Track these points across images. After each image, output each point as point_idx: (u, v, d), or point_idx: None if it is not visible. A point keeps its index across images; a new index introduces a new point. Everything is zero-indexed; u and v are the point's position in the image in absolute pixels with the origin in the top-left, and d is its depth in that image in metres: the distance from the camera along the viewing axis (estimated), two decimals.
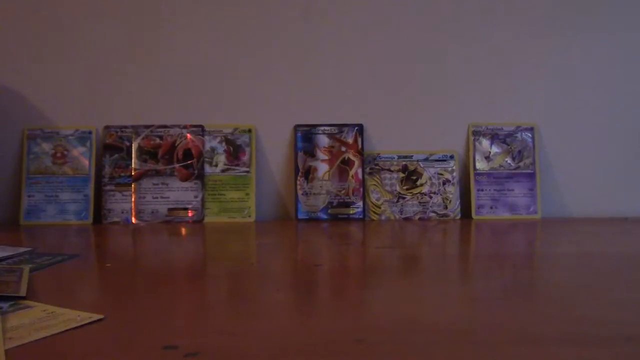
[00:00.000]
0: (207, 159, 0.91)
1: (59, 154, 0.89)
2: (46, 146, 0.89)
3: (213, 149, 0.92)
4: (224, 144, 0.92)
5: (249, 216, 0.90)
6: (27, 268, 0.56)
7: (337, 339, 0.41)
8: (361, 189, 0.92)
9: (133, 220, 0.89)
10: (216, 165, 0.92)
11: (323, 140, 0.93)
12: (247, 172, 0.92)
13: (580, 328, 0.43)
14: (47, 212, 0.87)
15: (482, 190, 0.93)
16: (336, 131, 0.93)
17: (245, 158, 0.92)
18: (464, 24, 0.96)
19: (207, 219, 0.90)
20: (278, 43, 0.95)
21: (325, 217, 0.91)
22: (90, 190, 0.89)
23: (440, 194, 0.93)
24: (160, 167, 0.90)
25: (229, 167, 0.92)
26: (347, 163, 0.92)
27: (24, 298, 0.48)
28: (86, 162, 0.90)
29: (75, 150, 0.89)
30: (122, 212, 0.89)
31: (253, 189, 0.91)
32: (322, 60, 0.96)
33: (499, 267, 0.63)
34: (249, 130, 0.93)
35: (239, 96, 0.95)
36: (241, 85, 0.95)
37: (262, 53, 0.95)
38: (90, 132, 0.91)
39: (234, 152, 0.92)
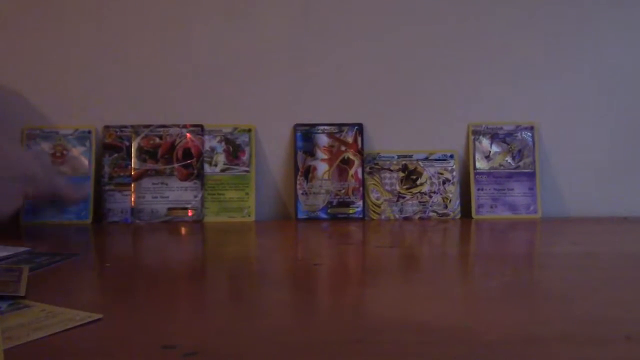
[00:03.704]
0: (206, 159, 0.91)
1: (58, 154, 0.89)
2: (46, 146, 0.89)
3: (212, 149, 0.92)
4: (223, 143, 0.92)
5: (249, 216, 0.90)
6: (26, 268, 0.56)
7: (337, 339, 0.41)
8: (361, 189, 0.92)
9: (133, 220, 0.89)
10: (215, 165, 0.92)
11: (323, 140, 0.93)
12: (247, 171, 0.92)
13: (580, 327, 0.43)
14: (47, 212, 0.87)
15: (482, 189, 0.93)
16: (336, 130, 0.93)
17: (244, 157, 0.92)
18: (463, 24, 0.96)
19: (206, 219, 0.90)
20: (278, 42, 0.95)
21: (325, 216, 0.91)
22: (90, 189, 0.89)
23: (440, 194, 0.93)
24: (159, 166, 0.90)
25: (228, 166, 0.92)
26: (347, 162, 0.92)
27: (23, 298, 0.48)
28: (86, 162, 0.89)
29: (74, 149, 0.89)
30: (122, 212, 0.89)
31: (253, 188, 0.91)
32: (322, 59, 0.96)
33: (498, 267, 0.63)
34: (249, 130, 0.93)
35: (239, 96, 0.95)
36: (241, 84, 0.95)
37: (261, 52, 0.95)
38: (89, 132, 0.91)
39: (234, 151, 0.92)
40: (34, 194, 0.76)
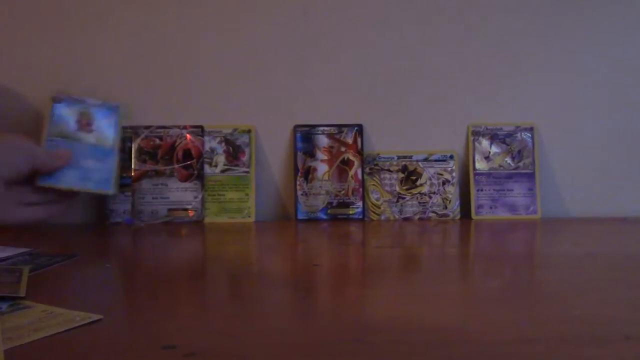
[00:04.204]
0: (206, 160, 0.91)
1: (83, 122, 0.86)
2: (70, 112, 0.86)
3: (212, 150, 0.92)
4: (223, 144, 0.92)
5: (249, 216, 0.90)
6: (26, 268, 0.56)
7: (336, 339, 0.41)
8: (361, 189, 0.92)
9: (133, 220, 0.89)
10: (215, 166, 0.92)
11: (323, 141, 0.93)
12: (247, 172, 0.92)
13: (579, 327, 0.43)
14: (68, 177, 0.82)
15: (481, 190, 0.93)
16: (336, 131, 0.93)
17: (244, 158, 0.92)
18: (463, 24, 0.96)
19: (206, 220, 0.90)
20: (278, 42, 0.95)
21: (324, 217, 0.91)
22: (114, 161, 0.86)
23: (440, 194, 0.93)
24: (159, 167, 0.90)
25: (228, 167, 0.92)
26: (347, 163, 0.92)
27: (23, 298, 0.48)
28: (111, 134, 0.87)
29: (101, 121, 0.88)
30: (124, 213, 0.89)
31: (252, 189, 0.91)
32: (322, 60, 0.96)
33: (498, 267, 0.63)
34: (249, 131, 0.93)
35: (239, 96, 0.95)
36: (241, 85, 0.95)
37: (261, 53, 0.95)
38: (117, 106, 0.89)
39: (234, 152, 0.92)
40: (14, 178, 0.73)
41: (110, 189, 0.85)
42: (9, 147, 0.73)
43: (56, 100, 0.86)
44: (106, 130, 0.87)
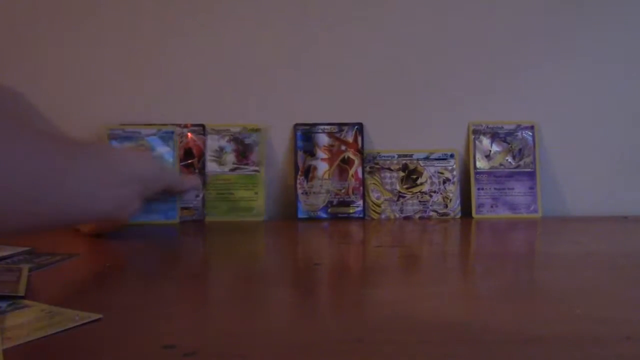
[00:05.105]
0: (215, 158, 0.91)
1: None
2: (128, 146, 0.86)
3: (221, 148, 0.92)
4: (232, 143, 0.92)
5: (258, 215, 0.90)
6: (25, 267, 0.56)
7: (337, 338, 0.41)
8: (361, 188, 0.92)
9: None
10: (224, 165, 0.91)
11: (323, 139, 0.93)
12: (257, 171, 0.91)
13: (580, 327, 0.43)
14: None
15: (482, 189, 0.93)
16: (336, 130, 0.93)
17: (253, 157, 0.92)
18: (463, 23, 0.96)
19: (215, 219, 0.89)
20: (277, 42, 0.95)
21: (325, 216, 0.91)
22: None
23: (441, 193, 0.92)
24: None
25: (237, 166, 0.92)
26: (347, 162, 0.92)
27: (22, 297, 0.48)
28: (170, 162, 0.88)
29: (157, 149, 0.88)
30: None
31: (262, 188, 0.91)
32: (322, 59, 0.96)
33: (499, 266, 0.63)
34: (258, 129, 0.93)
35: (239, 95, 0.95)
36: (241, 84, 0.95)
37: (261, 52, 0.95)
38: (172, 132, 0.89)
39: (243, 151, 0.92)
40: (149, 194, 0.75)
41: (177, 219, 0.86)
42: (153, 171, 0.72)
43: (112, 137, 0.86)
44: (164, 159, 0.87)
